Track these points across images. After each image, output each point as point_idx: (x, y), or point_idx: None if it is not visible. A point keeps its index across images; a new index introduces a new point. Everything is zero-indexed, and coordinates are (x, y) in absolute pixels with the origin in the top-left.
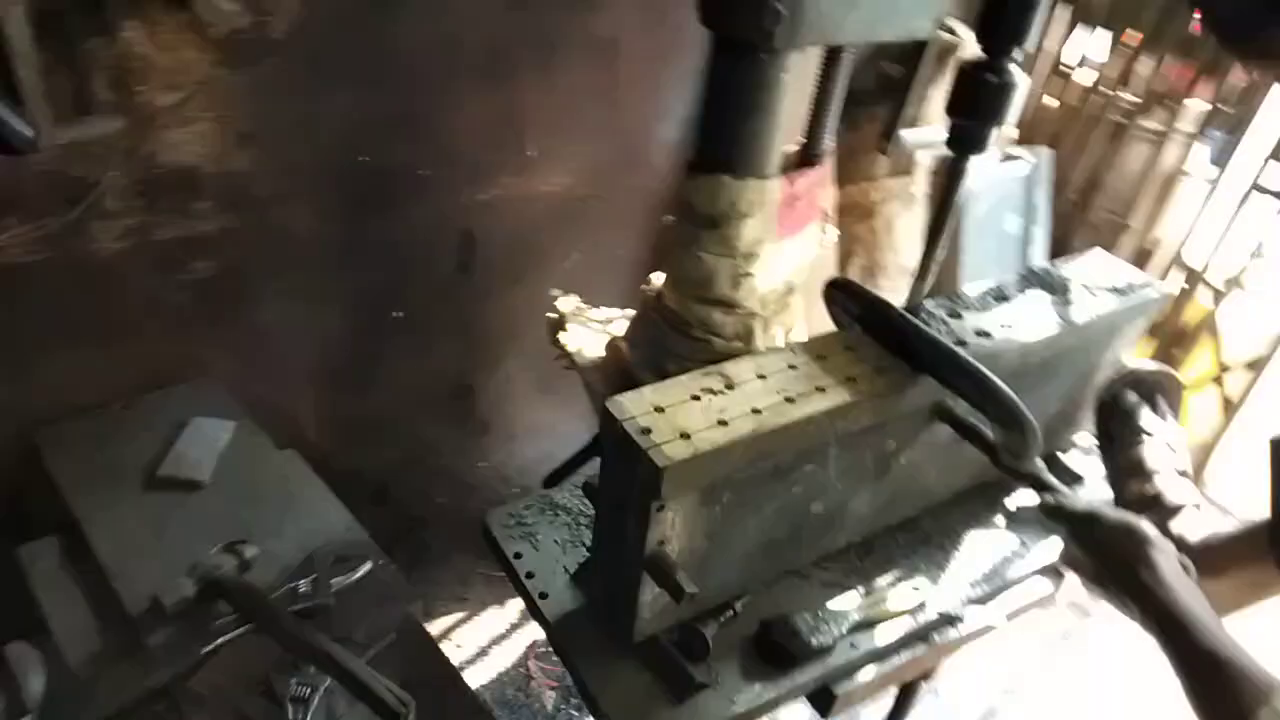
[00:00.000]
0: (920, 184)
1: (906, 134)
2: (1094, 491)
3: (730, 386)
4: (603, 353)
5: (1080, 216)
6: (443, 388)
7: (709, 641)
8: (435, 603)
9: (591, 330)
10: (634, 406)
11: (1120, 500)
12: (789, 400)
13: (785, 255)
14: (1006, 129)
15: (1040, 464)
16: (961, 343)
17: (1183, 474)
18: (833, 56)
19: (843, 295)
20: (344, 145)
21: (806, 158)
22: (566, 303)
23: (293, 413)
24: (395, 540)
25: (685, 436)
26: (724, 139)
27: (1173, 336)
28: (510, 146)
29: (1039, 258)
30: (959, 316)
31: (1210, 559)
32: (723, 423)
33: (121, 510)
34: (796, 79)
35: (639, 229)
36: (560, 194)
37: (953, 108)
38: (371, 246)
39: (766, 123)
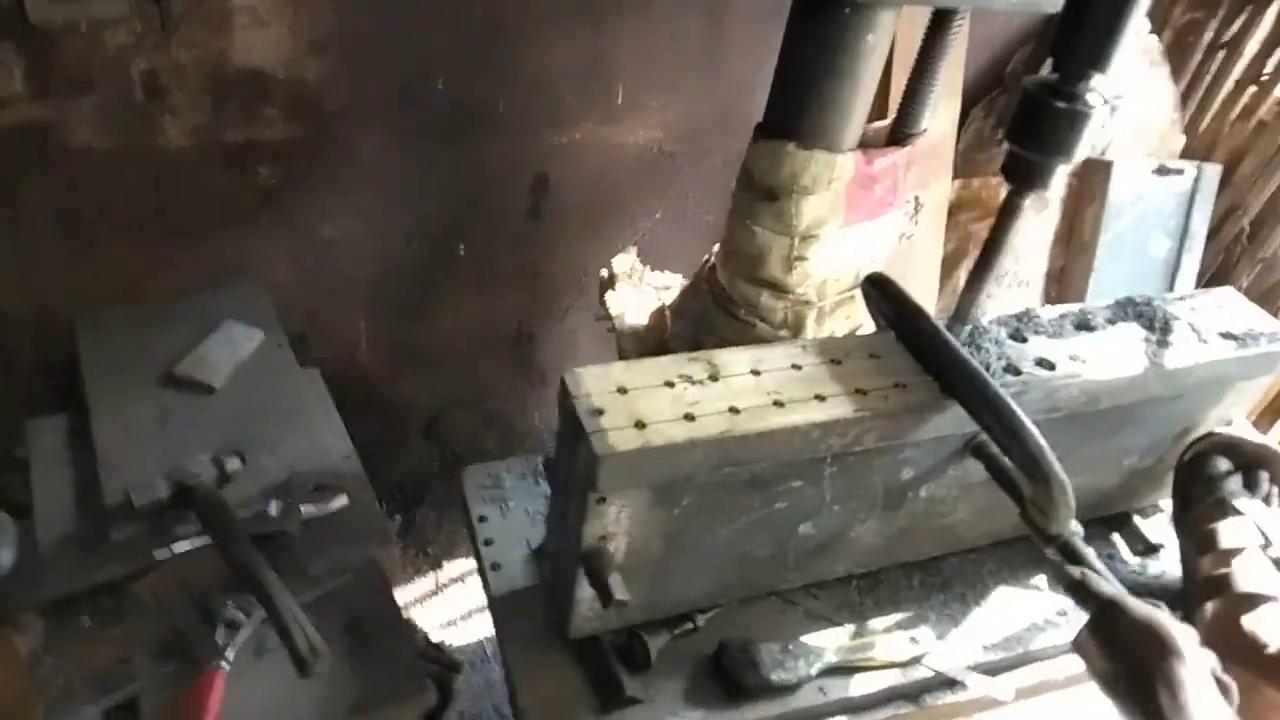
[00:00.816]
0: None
1: None
2: (1169, 565)
3: (714, 377)
4: (646, 320)
5: (1249, 250)
6: (502, 332)
7: (652, 653)
8: (461, 545)
9: (643, 294)
10: (594, 383)
11: (1188, 578)
12: (778, 404)
13: (853, 242)
14: (1165, 138)
15: (1075, 527)
16: (1015, 370)
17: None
18: (940, 22)
19: (878, 295)
20: (420, 68)
21: (896, 136)
22: (622, 261)
23: (346, 332)
24: (436, 476)
25: (640, 426)
26: (793, 102)
27: None
28: (597, 91)
29: (1184, 289)
30: (1022, 339)
31: None
32: (690, 417)
33: (129, 401)
34: (885, 43)
35: (730, 194)
36: (647, 147)
37: (1013, 133)
38: (440, 177)
39: (844, 89)
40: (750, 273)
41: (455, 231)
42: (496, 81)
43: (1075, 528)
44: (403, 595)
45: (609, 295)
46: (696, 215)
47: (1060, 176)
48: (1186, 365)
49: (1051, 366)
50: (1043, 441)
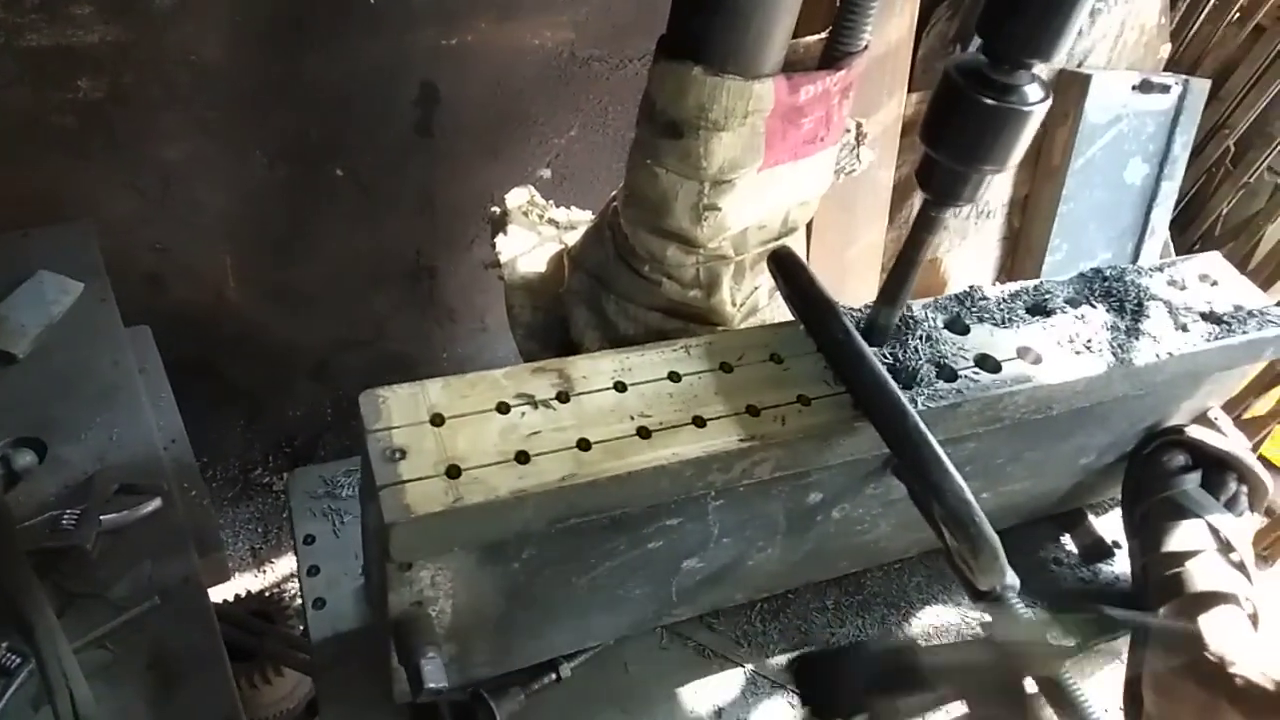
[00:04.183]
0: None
1: None
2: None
3: (563, 396)
4: (542, 268)
5: (1232, 174)
6: (397, 265)
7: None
8: None
9: (541, 236)
10: (400, 408)
11: (1138, 581)
12: (642, 434)
13: (777, 187)
14: (1151, 47)
15: (1011, 580)
16: (950, 374)
17: (1238, 566)
18: None
19: (782, 280)
20: None
21: (831, 56)
22: (516, 196)
23: (209, 270)
24: (331, 424)
25: (453, 474)
26: (698, 11)
27: None
28: None
29: (1163, 222)
30: (962, 330)
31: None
32: (523, 457)
33: None
34: None
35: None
36: (555, 51)
37: (928, 130)
38: (305, 87)
39: None
40: (654, 222)
41: (328, 151)
42: None
43: (1011, 580)
44: (288, 565)
45: (499, 238)
46: (618, 132)
47: (989, 187)
48: (1160, 360)
49: (996, 367)
50: (970, 498)
